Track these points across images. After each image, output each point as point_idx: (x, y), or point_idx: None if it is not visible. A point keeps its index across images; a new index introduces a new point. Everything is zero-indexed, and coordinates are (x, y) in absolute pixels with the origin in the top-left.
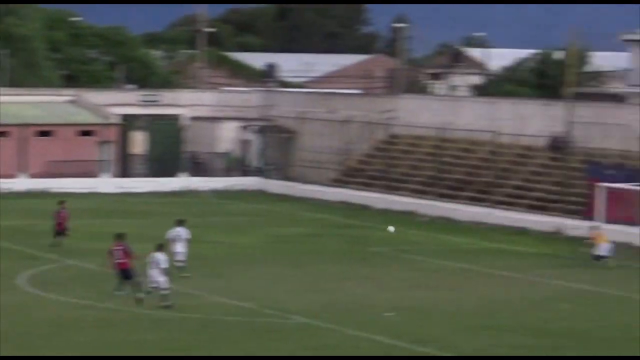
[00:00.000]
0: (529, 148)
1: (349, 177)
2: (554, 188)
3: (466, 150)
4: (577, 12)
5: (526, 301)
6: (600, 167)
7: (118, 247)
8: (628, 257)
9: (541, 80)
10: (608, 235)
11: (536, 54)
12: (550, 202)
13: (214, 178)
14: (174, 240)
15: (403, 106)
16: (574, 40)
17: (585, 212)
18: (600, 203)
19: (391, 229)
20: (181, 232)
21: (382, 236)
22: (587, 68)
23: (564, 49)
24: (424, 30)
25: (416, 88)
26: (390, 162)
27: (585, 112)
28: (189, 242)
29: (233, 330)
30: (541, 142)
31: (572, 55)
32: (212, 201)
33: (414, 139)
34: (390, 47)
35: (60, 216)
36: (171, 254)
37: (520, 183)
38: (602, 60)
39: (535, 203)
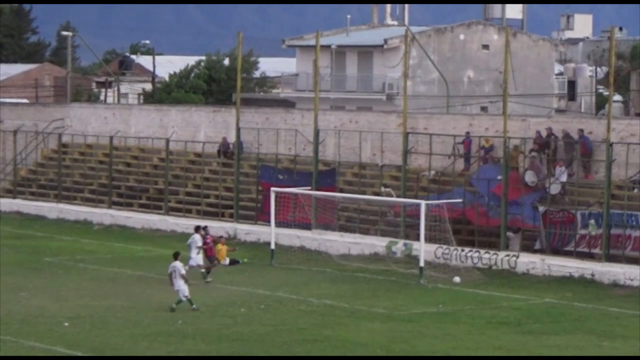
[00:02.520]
0: (200, 155)
1: (21, 187)
2: (226, 194)
3: (138, 158)
4: (244, 18)
5: (204, 307)
6: (271, 171)
7: None
8: (302, 261)
9: (210, 87)
10: (280, 239)
11: (204, 60)
12: (224, 208)
13: None
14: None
15: (73, 115)
16: (240, 46)
17: (259, 216)
18: (272, 207)
19: (457, 279)
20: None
21: (58, 246)
22: (255, 74)
23: (230, 55)
24: (91, 38)
25: (85, 96)
26: (62, 172)
27: (255, 117)
28: None
29: None
30: (212, 149)
31: (239, 61)
32: None
33: (85, 147)
34: (58, 56)
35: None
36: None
37: (193, 190)
38: (270, 65)
39: (208, 209)
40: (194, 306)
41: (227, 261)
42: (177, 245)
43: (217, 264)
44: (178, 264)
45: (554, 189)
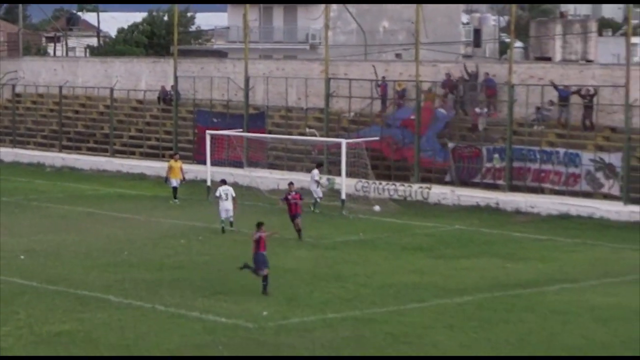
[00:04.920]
0: (141, 102)
1: None
2: (166, 136)
3: (85, 105)
4: None
5: (147, 239)
6: (207, 115)
7: None
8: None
9: (152, 41)
10: (215, 177)
11: (146, 17)
12: (164, 150)
13: None
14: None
15: (25, 67)
16: (176, 2)
17: (196, 156)
18: (208, 148)
19: (377, 208)
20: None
21: (13, 187)
22: (192, 28)
23: (169, 12)
24: None
25: (36, 50)
26: (16, 119)
27: (191, 67)
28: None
29: None
30: (152, 96)
31: (176, 16)
32: None
33: (37, 97)
34: (9, 14)
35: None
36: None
37: (135, 134)
38: (204, 20)
39: (150, 151)
40: (233, 227)
41: (177, 182)
42: (122, 183)
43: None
44: (230, 188)
45: (481, 124)
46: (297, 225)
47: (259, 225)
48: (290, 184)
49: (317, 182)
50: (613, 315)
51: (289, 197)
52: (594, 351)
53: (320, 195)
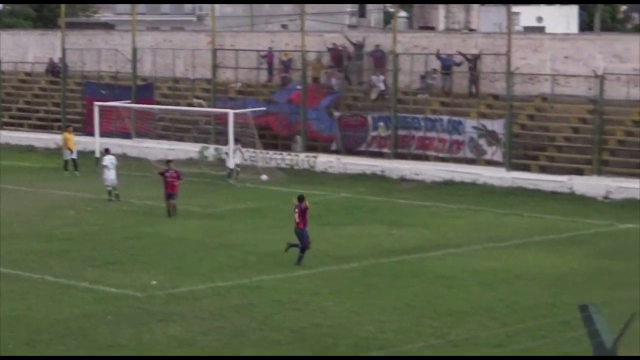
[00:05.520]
0: (29, 74)
1: None
2: (54, 109)
3: None
4: None
5: (36, 211)
6: (95, 87)
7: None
8: (123, 166)
9: (40, 13)
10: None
11: None
12: (53, 122)
13: None
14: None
15: None
16: None
17: (84, 127)
18: (96, 120)
19: (264, 177)
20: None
21: None
22: None
23: None
24: None
25: None
26: None
27: (79, 39)
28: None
29: None
30: (41, 68)
31: None
32: None
33: None
34: None
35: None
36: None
37: (24, 106)
38: None
39: (39, 123)
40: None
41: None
42: (11, 155)
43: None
44: (113, 157)
45: (374, 94)
46: (171, 206)
47: (301, 198)
48: (169, 161)
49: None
50: (496, 279)
51: (167, 174)
52: (479, 314)
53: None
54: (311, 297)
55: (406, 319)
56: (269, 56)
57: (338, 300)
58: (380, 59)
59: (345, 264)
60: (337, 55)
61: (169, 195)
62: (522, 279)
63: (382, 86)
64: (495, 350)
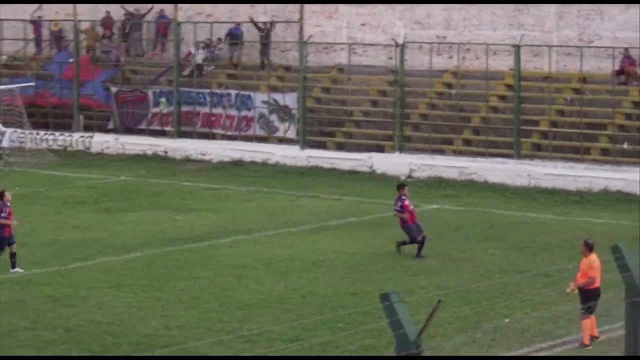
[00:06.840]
0: None
1: None
2: None
3: None
4: None
5: None
6: None
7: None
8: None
9: None
10: None
11: None
12: None
13: None
14: None
15: None
16: None
17: None
18: None
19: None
20: None
21: None
22: None
23: None
24: None
25: None
26: None
27: None
28: None
29: None
30: None
31: None
32: None
33: None
34: None
35: None
36: None
37: None
38: None
39: None
40: None
41: None
42: None
43: None
44: None
45: (189, 69)
46: None
47: (402, 186)
48: None
49: None
50: (290, 268)
51: None
52: (273, 307)
53: None
54: (88, 291)
55: (193, 314)
56: (36, 26)
57: (118, 295)
58: (166, 28)
59: (126, 255)
60: (111, 24)
61: None
62: (319, 267)
63: (200, 59)
64: (292, 345)
